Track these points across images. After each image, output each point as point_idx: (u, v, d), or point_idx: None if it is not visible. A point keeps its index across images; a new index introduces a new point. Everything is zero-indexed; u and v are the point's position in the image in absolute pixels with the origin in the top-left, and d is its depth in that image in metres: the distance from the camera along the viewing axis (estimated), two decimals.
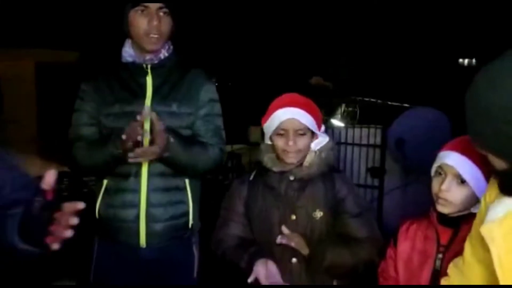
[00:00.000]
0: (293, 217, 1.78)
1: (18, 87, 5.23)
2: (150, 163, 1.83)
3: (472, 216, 1.34)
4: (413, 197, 3.50)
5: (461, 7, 5.70)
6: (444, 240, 1.55)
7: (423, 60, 6.40)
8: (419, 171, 3.45)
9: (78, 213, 1.11)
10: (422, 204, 1.70)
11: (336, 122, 4.79)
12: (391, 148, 3.62)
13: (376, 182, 3.67)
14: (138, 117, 1.68)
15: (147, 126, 1.75)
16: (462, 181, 1.48)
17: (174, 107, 1.85)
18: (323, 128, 1.86)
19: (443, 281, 1.37)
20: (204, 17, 5.48)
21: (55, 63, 5.35)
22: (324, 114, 3.66)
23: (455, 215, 1.52)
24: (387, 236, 1.76)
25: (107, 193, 1.87)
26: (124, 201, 1.84)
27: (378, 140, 3.72)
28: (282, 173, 1.82)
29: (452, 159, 1.48)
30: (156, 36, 1.82)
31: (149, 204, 1.84)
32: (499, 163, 1.12)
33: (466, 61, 6.99)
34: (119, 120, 1.81)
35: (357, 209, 1.81)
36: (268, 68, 6.41)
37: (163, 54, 1.90)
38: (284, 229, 1.75)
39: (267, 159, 1.83)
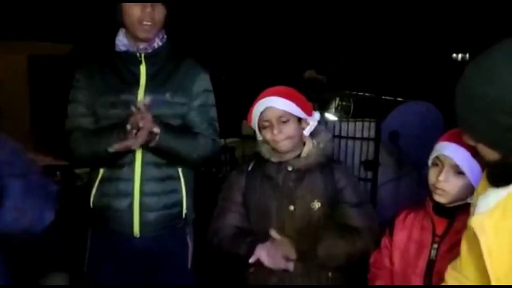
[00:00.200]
0: (291, 207, 1.78)
1: (10, 81, 5.19)
2: (144, 152, 1.82)
3: (468, 206, 1.35)
4: (406, 190, 3.52)
5: (455, 2, 5.72)
6: (439, 230, 1.55)
7: (418, 55, 6.42)
8: (412, 164, 3.47)
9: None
10: (415, 197, 1.71)
11: (330, 116, 4.79)
12: (385, 141, 3.62)
13: (369, 175, 3.67)
14: (133, 108, 1.68)
15: None
16: (459, 172, 1.49)
17: (168, 96, 1.84)
18: (317, 114, 1.86)
19: None
20: (198, 11, 5.46)
21: (48, 56, 5.31)
22: (318, 108, 3.66)
23: (451, 205, 1.53)
24: (381, 228, 1.76)
25: (101, 182, 1.86)
26: (118, 190, 1.83)
27: (372, 133, 3.72)
28: (280, 163, 1.82)
29: (450, 150, 1.49)
30: (149, 23, 1.80)
31: (142, 193, 1.83)
32: (490, 154, 1.12)
33: (459, 56, 7.02)
34: (113, 109, 1.81)
35: (356, 199, 1.81)
36: (261, 62, 6.40)
37: (157, 43, 1.89)
38: (273, 233, 1.74)
39: (265, 150, 1.83)
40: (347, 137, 3.85)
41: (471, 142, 1.15)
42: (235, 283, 1.95)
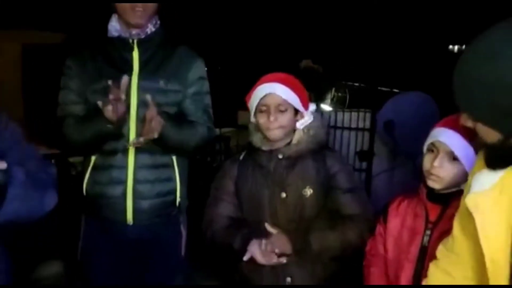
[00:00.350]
0: (283, 195, 1.77)
1: (4, 69, 5.15)
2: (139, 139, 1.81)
3: (461, 193, 1.35)
4: (400, 180, 3.52)
5: None
6: (432, 216, 1.55)
7: (414, 46, 6.40)
8: (407, 154, 3.47)
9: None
10: (409, 187, 1.70)
11: (326, 107, 4.79)
12: (380, 132, 3.62)
13: (364, 166, 3.68)
14: (109, 82, 1.64)
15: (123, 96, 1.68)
16: (454, 158, 1.48)
17: (162, 84, 1.82)
18: (312, 107, 1.86)
19: (431, 265, 1.37)
20: (194, 0, 5.42)
21: (42, 45, 5.26)
22: (314, 99, 3.66)
23: (445, 192, 1.53)
24: (376, 218, 1.76)
25: (94, 170, 1.85)
26: (111, 177, 1.82)
27: (367, 124, 3.72)
28: (271, 152, 1.81)
29: (445, 136, 1.48)
30: (141, 9, 1.78)
31: (136, 181, 1.82)
32: (490, 135, 1.09)
33: (456, 47, 7.01)
34: (105, 96, 1.79)
35: (349, 185, 1.81)
36: (257, 52, 6.37)
37: (150, 29, 1.87)
38: (268, 227, 1.74)
39: (256, 139, 1.83)
40: (343, 128, 3.85)
41: (469, 123, 1.12)
42: (229, 273, 1.95)
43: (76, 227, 1.98)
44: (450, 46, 7.04)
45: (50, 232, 3.06)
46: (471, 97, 1.06)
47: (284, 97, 1.75)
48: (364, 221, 1.77)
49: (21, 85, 5.40)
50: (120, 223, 1.84)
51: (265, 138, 1.80)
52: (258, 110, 1.78)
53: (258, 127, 1.82)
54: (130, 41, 1.84)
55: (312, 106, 1.86)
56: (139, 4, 1.78)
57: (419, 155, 1.61)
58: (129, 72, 1.81)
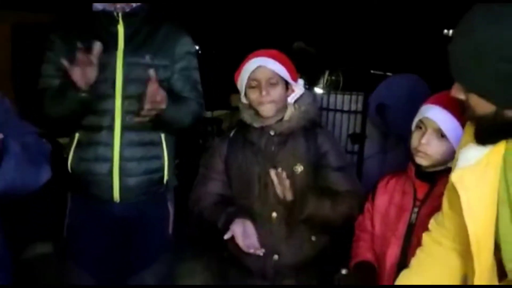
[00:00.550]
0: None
1: None
2: (124, 116, 1.78)
3: (450, 171, 1.33)
4: (392, 163, 3.53)
5: None
6: (420, 194, 1.55)
7: (409, 30, 6.37)
8: (398, 137, 3.46)
9: None
10: (401, 169, 1.69)
11: (319, 90, 4.76)
12: (372, 114, 3.61)
13: (356, 149, 3.68)
14: (79, 45, 1.59)
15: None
16: (442, 136, 1.47)
17: (148, 59, 1.79)
18: (301, 81, 1.84)
19: (425, 235, 1.36)
20: None
21: (31, 25, 5.20)
22: (307, 82, 3.63)
23: (433, 170, 1.52)
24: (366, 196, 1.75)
25: (79, 146, 1.82)
26: (97, 154, 1.79)
27: (360, 107, 3.72)
28: (262, 128, 1.80)
29: (434, 113, 1.47)
30: None
31: (122, 158, 1.79)
32: (482, 107, 1.05)
33: (451, 31, 6.98)
34: None
35: (339, 163, 1.80)
36: (250, 35, 6.32)
37: (135, 3, 1.83)
38: (272, 172, 1.66)
39: (247, 116, 1.81)
40: (335, 110, 3.84)
41: (461, 95, 1.08)
42: (217, 251, 1.94)
43: (62, 205, 1.96)
44: (445, 31, 7.01)
45: (42, 210, 3.05)
46: (464, 66, 1.03)
47: (273, 69, 1.73)
48: (355, 196, 1.76)
49: (11, 66, 5.34)
50: (107, 201, 1.82)
51: (257, 114, 1.79)
52: (249, 86, 1.76)
53: (249, 105, 1.79)
54: (115, 14, 1.80)
55: (301, 81, 1.85)
56: None
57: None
58: (114, 47, 1.78)
